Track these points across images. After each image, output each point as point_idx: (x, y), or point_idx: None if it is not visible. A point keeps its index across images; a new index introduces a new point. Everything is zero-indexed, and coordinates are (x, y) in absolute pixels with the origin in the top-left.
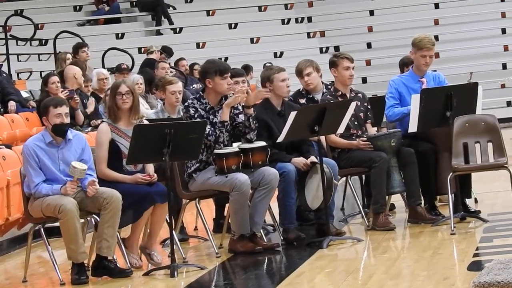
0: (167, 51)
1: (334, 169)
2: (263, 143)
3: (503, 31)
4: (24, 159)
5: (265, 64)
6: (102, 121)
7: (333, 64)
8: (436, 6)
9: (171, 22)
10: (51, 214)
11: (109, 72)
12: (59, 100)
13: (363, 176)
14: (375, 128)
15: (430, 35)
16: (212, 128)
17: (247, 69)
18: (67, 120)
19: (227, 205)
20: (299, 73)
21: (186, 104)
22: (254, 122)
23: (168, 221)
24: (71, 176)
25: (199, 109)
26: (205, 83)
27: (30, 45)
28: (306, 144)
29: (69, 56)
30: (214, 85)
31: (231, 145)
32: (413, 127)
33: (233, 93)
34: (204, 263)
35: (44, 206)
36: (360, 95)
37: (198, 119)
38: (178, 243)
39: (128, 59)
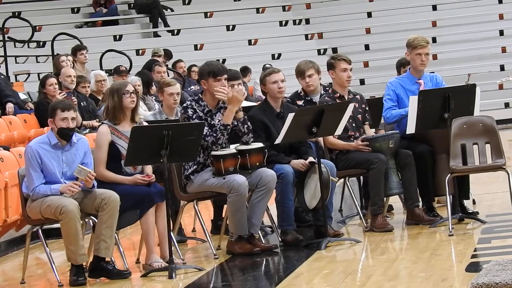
0: (167, 53)
1: (332, 170)
2: (260, 145)
3: (501, 32)
4: (26, 159)
5: (264, 66)
6: (102, 123)
7: (330, 66)
8: (434, 7)
9: (166, 25)
10: (50, 215)
11: (107, 74)
12: (67, 104)
13: (361, 177)
14: (373, 130)
15: (427, 36)
16: (210, 130)
17: (245, 71)
18: (72, 124)
19: (225, 206)
20: (301, 73)
21: (184, 105)
22: (245, 126)
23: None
24: (73, 178)
25: (197, 110)
26: (201, 84)
27: (28, 47)
28: (304, 145)
29: (63, 58)
30: (208, 87)
31: (229, 147)
32: (411, 128)
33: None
34: (202, 264)
35: (44, 207)
36: (358, 96)
37: (196, 120)
38: (176, 244)
39: (126, 61)
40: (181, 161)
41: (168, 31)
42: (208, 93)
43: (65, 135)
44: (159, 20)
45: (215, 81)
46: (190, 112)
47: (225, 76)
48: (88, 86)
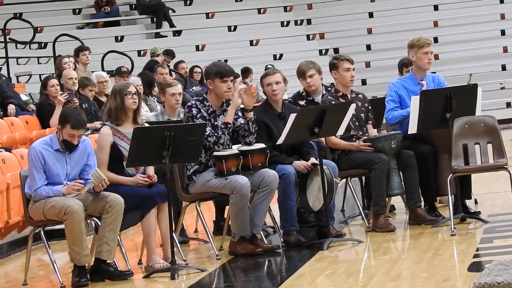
0: (169, 53)
1: (334, 171)
2: (262, 145)
3: (503, 32)
4: (29, 160)
5: (266, 66)
6: (104, 124)
7: (333, 67)
8: (436, 7)
9: (172, 25)
10: (54, 216)
11: (109, 75)
12: (78, 122)
13: (363, 177)
14: (375, 130)
15: (428, 36)
16: (213, 130)
17: (247, 71)
18: (77, 141)
19: (227, 207)
20: (301, 74)
21: (189, 104)
22: (254, 125)
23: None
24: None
25: (201, 110)
26: (207, 84)
27: (30, 48)
28: (306, 146)
29: (65, 60)
30: (214, 87)
31: (231, 148)
32: (412, 128)
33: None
34: (205, 265)
35: (48, 208)
36: (360, 96)
37: (200, 120)
38: (179, 245)
39: (128, 62)
40: (183, 162)
41: (170, 31)
42: (213, 93)
43: (68, 147)
44: (164, 20)
45: (221, 82)
46: (194, 111)
47: (232, 77)
48: (94, 89)
